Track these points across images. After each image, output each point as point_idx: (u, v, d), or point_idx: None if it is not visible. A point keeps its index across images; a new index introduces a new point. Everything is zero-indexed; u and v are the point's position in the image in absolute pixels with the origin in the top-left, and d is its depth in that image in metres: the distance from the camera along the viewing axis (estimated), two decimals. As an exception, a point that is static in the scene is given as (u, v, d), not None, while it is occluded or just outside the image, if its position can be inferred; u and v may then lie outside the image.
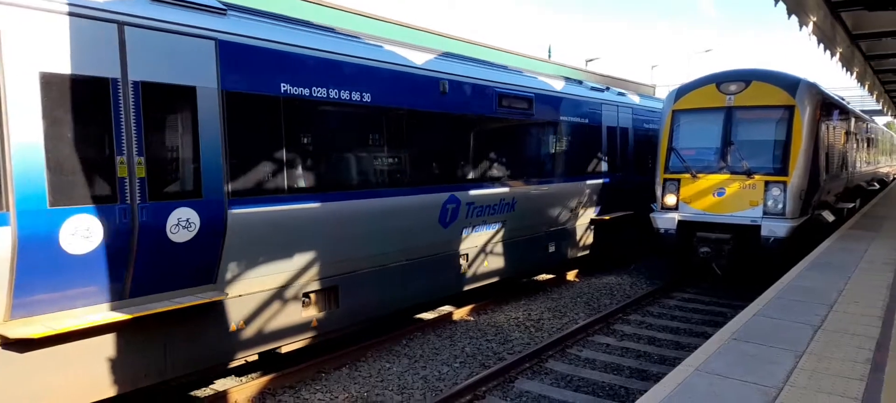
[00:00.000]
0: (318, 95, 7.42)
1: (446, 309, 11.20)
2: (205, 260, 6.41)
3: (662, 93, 32.26)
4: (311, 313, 7.83)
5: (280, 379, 7.71)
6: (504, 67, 11.68)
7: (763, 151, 11.75)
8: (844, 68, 15.24)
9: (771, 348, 5.81)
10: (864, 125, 21.44)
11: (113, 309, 5.80)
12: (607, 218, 14.05)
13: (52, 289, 5.38)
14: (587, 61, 38.48)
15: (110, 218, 5.60)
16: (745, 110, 11.96)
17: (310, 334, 7.89)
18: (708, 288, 12.67)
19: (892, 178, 38.33)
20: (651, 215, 12.48)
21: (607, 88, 15.24)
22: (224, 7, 6.84)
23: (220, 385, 7.81)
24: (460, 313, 10.82)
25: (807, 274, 9.01)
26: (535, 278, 13.72)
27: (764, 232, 11.08)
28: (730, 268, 11.60)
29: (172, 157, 6.13)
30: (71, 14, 5.35)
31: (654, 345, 9.18)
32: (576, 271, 14.26)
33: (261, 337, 7.25)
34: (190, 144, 6.21)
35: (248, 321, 7.06)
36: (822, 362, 5.43)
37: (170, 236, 6.02)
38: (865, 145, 21.74)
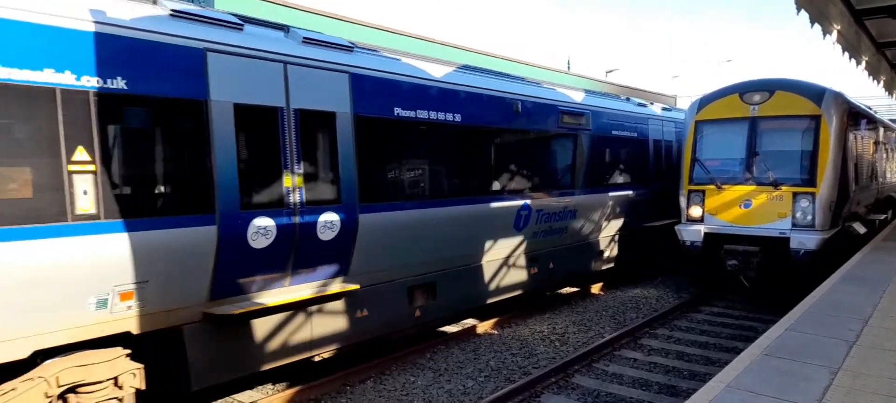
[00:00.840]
0: (421, 116, 8.57)
1: (470, 321, 11.16)
2: (342, 256, 7.53)
3: (683, 103, 32.02)
4: (416, 304, 8.86)
5: (305, 392, 7.72)
6: (564, 87, 12.66)
7: (790, 162, 11.57)
8: (871, 77, 14.98)
9: (804, 364, 5.69)
10: (894, 135, 21.02)
11: (280, 294, 6.96)
12: (657, 224, 14.54)
13: (241, 276, 6.54)
14: (607, 72, 38.29)
15: (280, 219, 6.72)
16: (770, 120, 11.80)
17: (413, 323, 8.95)
18: (737, 302, 12.47)
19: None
20: (676, 227, 12.35)
21: (651, 103, 16.07)
22: (351, 44, 8.03)
23: (245, 397, 7.85)
24: (484, 326, 10.77)
25: (839, 287, 8.83)
26: (559, 291, 13.63)
27: (793, 245, 10.88)
28: (758, 281, 11.40)
29: (319, 170, 7.28)
30: (253, 56, 6.55)
31: (683, 360, 9.04)
32: (600, 284, 14.13)
33: (379, 324, 8.33)
34: (331, 159, 7.34)
35: (371, 309, 8.13)
36: (858, 379, 5.30)
37: (319, 235, 7.13)
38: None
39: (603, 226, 13.01)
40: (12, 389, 5.17)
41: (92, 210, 5.35)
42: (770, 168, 11.47)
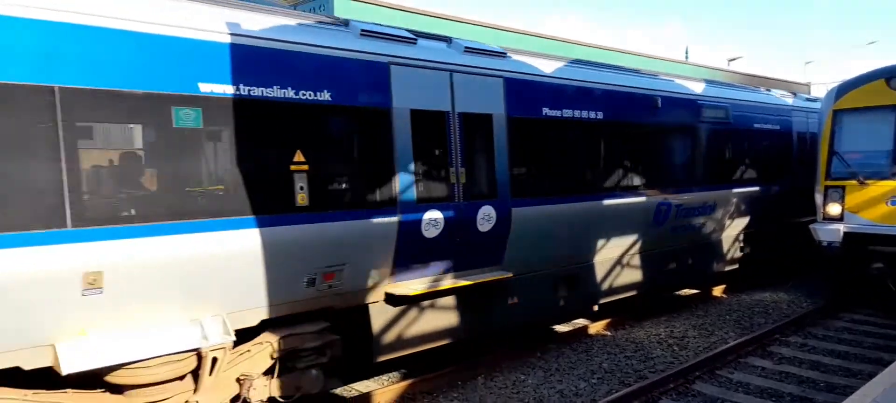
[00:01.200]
0: (566, 115, 8.91)
1: (581, 322, 10.91)
2: (497, 247, 8.09)
3: (818, 91, 29.47)
4: (559, 294, 9.20)
5: (419, 385, 7.90)
6: (697, 80, 12.47)
7: None
8: None
9: (971, 381, 5.04)
10: None
11: (446, 279, 7.61)
12: (804, 220, 13.64)
13: (415, 262, 7.29)
14: (729, 60, 36.02)
15: (447, 212, 7.42)
16: None
17: (558, 312, 9.35)
18: (882, 309, 11.27)
19: None
20: (811, 226, 11.37)
21: (795, 94, 15.45)
22: (503, 51, 8.56)
23: (361, 386, 8.15)
24: (596, 327, 10.49)
25: None
26: (677, 293, 12.99)
27: (953, 247, 9.68)
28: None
29: (479, 167, 7.90)
30: (424, 67, 7.31)
31: (819, 371, 8.30)
32: (723, 286, 13.33)
33: (527, 312, 8.75)
34: (488, 157, 7.93)
35: (521, 297, 8.56)
36: None
37: (478, 227, 7.75)
38: None
39: (741, 223, 12.65)
40: (247, 351, 6.24)
41: (306, 203, 6.27)
42: (923, 160, 10.26)
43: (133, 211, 5.24)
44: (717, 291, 13.15)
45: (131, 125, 5.40)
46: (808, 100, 15.59)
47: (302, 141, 6.24)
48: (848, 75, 12.14)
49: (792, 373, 8.21)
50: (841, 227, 10.87)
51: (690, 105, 11.25)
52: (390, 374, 8.60)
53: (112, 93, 5.11)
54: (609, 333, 10.34)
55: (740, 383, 7.91)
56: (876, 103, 11.00)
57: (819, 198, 11.45)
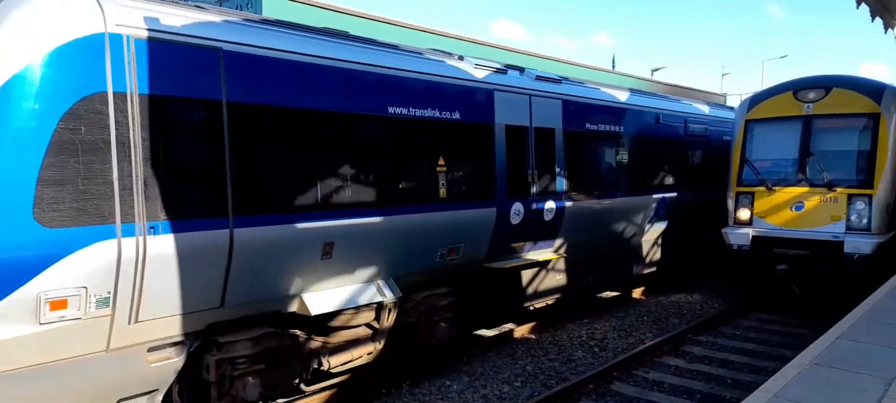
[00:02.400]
0: (601, 128, 11.06)
1: (507, 326, 11.04)
2: (554, 233, 10.07)
3: (734, 102, 31.09)
4: (588, 274, 11.22)
5: (342, 392, 7.77)
6: (695, 101, 15.38)
7: (845, 162, 11.05)
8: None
9: (857, 374, 5.41)
10: None
11: (525, 257, 9.55)
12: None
13: (504, 243, 9.14)
14: (653, 71, 37.47)
15: (526, 205, 9.30)
16: (825, 119, 11.28)
17: (587, 286, 11.41)
18: (786, 309, 11.97)
19: None
20: (723, 230, 11.95)
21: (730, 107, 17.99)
22: (561, 78, 10.68)
23: (282, 398, 7.91)
24: (521, 330, 10.64)
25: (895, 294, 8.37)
26: (598, 295, 13.36)
27: (847, 249, 10.38)
28: (809, 287, 10.92)
29: (544, 170, 9.73)
30: (513, 92, 9.20)
31: (727, 368, 8.72)
32: (642, 289, 13.80)
33: (568, 286, 10.75)
34: (550, 163, 9.84)
35: (566, 273, 10.61)
36: (916, 391, 5.00)
37: (544, 216, 9.66)
38: None
39: (703, 222, 14.18)
40: (404, 306, 7.99)
41: (445, 195, 8.06)
42: (824, 169, 10.97)
43: (352, 199, 6.94)
44: (637, 293, 13.61)
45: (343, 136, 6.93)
46: None
47: (443, 149, 8.06)
48: (761, 86, 12.92)
49: (703, 372, 8.59)
50: (749, 231, 11.47)
51: (680, 120, 13.60)
52: (316, 385, 8.38)
53: (357, 116, 7.01)
54: (533, 336, 10.51)
55: (655, 382, 8.21)
56: (784, 114, 11.66)
57: (730, 203, 12.05)
